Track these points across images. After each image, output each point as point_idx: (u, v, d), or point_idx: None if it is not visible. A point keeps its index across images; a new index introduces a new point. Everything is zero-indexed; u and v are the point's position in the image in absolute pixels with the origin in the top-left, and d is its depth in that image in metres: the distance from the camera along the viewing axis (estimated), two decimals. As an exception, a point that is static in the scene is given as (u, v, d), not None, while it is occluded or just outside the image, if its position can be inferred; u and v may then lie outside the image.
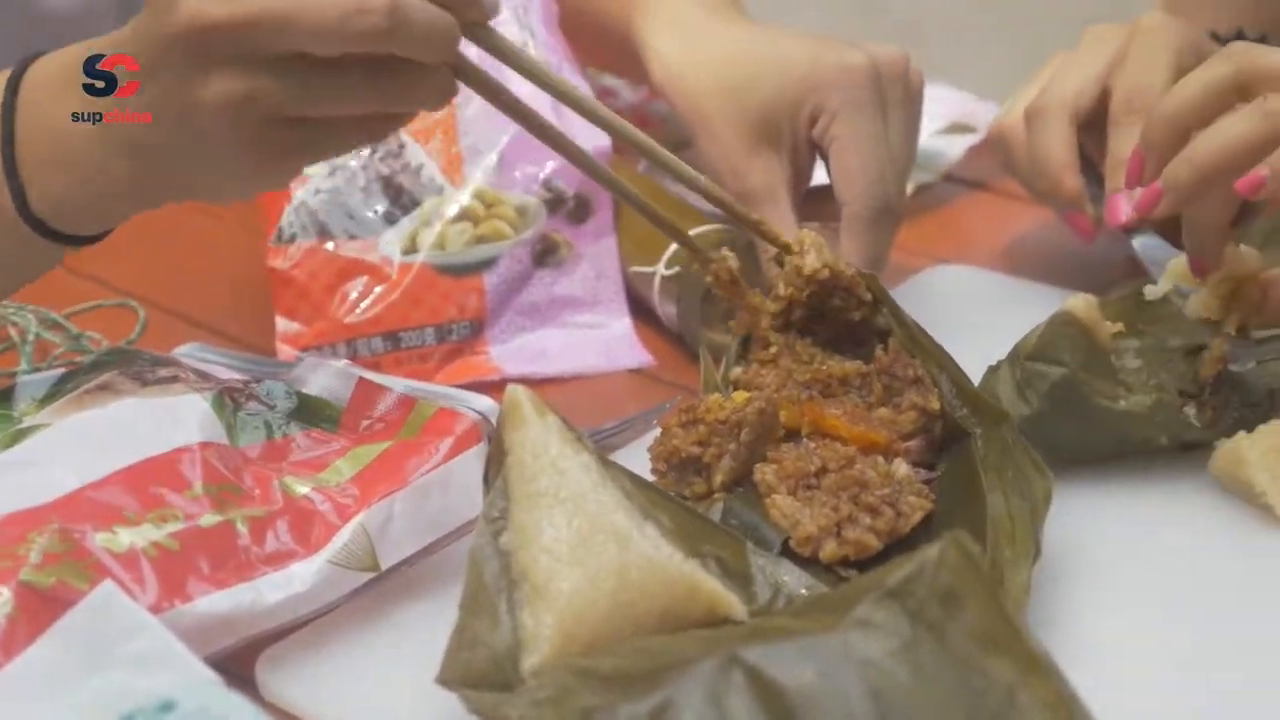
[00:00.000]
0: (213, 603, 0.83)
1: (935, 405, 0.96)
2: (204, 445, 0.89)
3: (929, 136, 1.43)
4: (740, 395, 0.97)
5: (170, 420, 0.90)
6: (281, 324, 1.17)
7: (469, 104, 1.22)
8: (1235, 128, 0.94)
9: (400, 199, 1.20)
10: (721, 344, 1.06)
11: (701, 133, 1.19)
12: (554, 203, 1.21)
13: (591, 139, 1.17)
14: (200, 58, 0.86)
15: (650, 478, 0.95)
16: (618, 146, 1.30)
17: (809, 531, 0.90)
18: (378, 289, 1.17)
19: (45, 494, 0.85)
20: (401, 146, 1.22)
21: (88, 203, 0.95)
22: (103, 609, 0.75)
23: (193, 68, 0.87)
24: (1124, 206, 1.06)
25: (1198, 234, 1.00)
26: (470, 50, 0.92)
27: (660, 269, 1.17)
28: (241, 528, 0.86)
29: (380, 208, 1.20)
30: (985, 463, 0.93)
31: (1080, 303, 1.00)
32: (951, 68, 1.58)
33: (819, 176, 1.20)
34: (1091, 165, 1.16)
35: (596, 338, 1.20)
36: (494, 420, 0.89)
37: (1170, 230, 1.09)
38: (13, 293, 1.04)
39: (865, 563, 0.89)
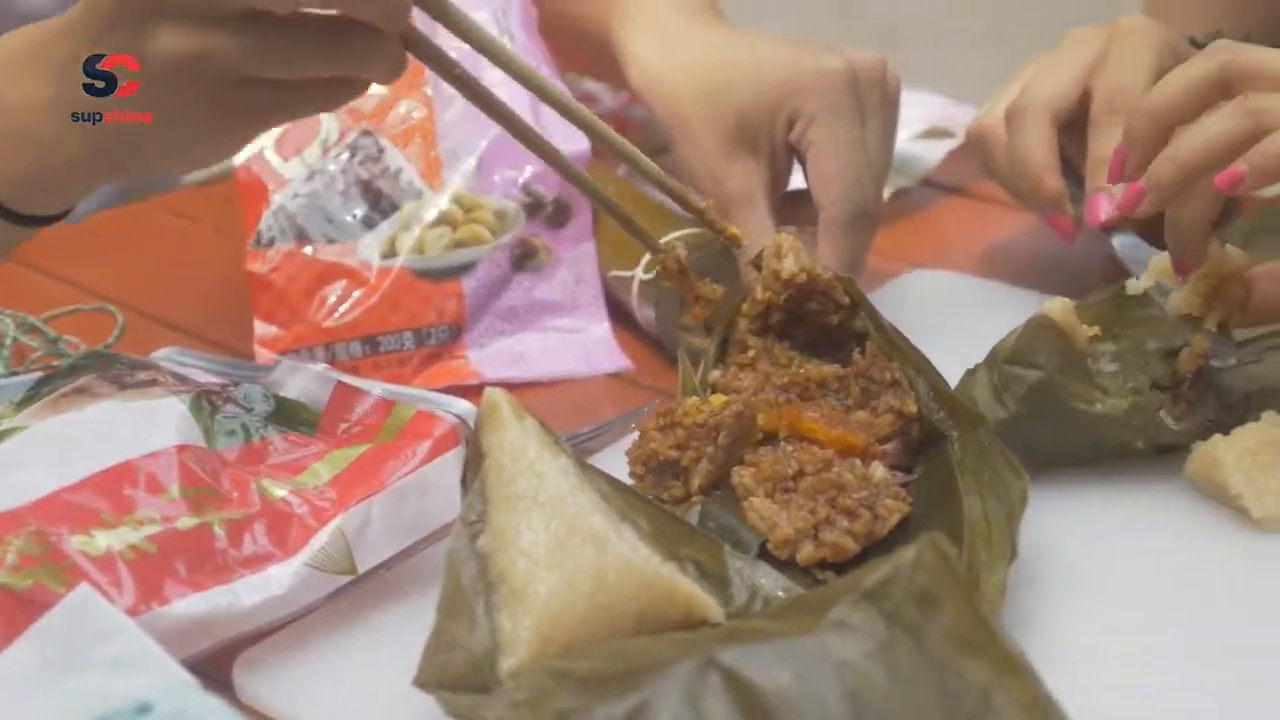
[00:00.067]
0: (190, 605, 0.83)
1: (912, 408, 0.97)
2: (181, 448, 0.89)
3: (907, 141, 1.43)
4: (718, 399, 0.97)
5: (148, 423, 0.90)
6: (260, 328, 1.17)
7: (448, 108, 1.22)
8: (1217, 126, 0.94)
9: (379, 203, 1.20)
10: (700, 348, 1.06)
11: (680, 137, 1.19)
12: (533, 207, 1.21)
13: (570, 142, 1.17)
14: (153, 15, 0.87)
15: (628, 481, 0.95)
16: (597, 149, 1.31)
17: (786, 534, 0.90)
18: (356, 293, 1.17)
19: (22, 496, 0.85)
20: (381, 151, 1.22)
21: (45, 179, 0.95)
22: (79, 612, 0.75)
23: (145, 25, 0.87)
24: (1104, 206, 1.07)
25: (1180, 232, 1.00)
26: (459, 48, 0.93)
27: (639, 273, 1.18)
28: (219, 530, 0.86)
29: (359, 212, 1.20)
30: (962, 465, 0.94)
31: (1057, 306, 1.00)
32: (929, 73, 1.58)
33: (797, 181, 1.20)
34: (1071, 166, 1.16)
35: (575, 342, 1.20)
36: (472, 424, 0.89)
37: (1150, 230, 1.10)
38: None
39: (842, 565, 0.89)
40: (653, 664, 0.74)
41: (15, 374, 1.09)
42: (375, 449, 0.92)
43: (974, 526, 0.90)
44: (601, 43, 1.27)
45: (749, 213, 1.15)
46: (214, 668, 0.85)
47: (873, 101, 1.15)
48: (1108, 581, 0.92)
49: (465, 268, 1.19)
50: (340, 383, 0.97)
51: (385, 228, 1.19)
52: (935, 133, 1.47)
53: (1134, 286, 1.05)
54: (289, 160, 1.21)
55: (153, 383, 0.95)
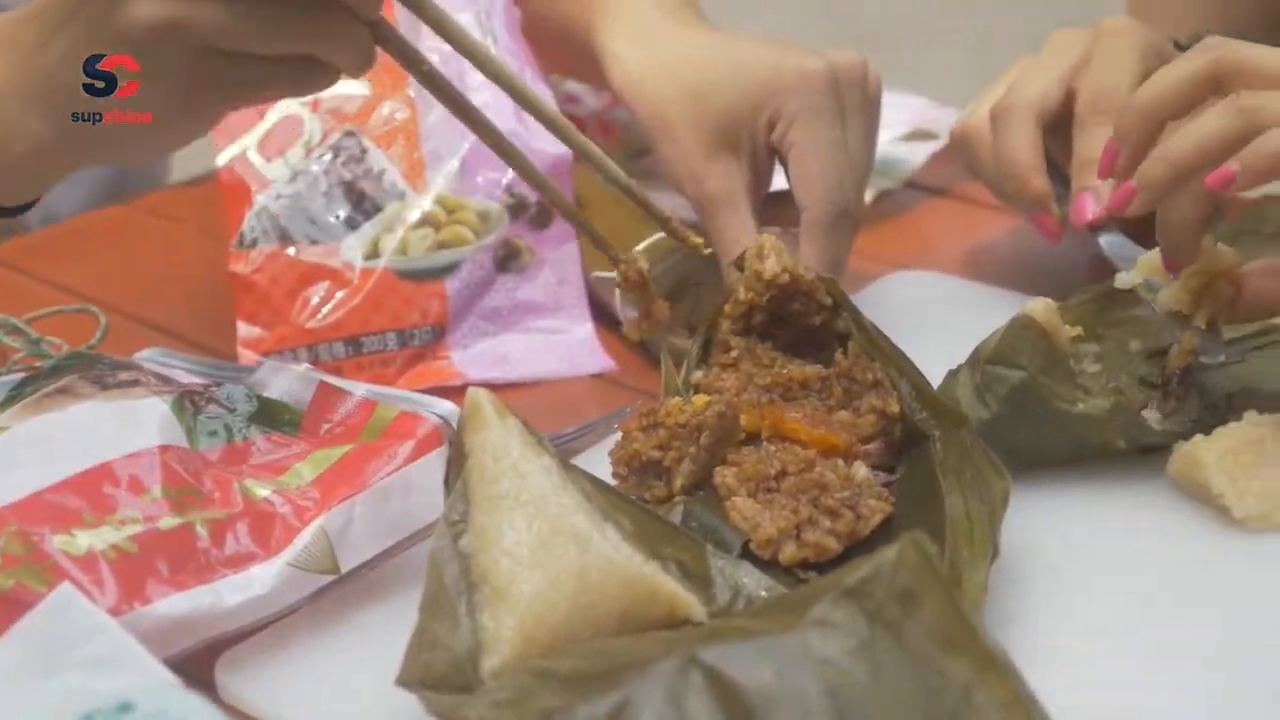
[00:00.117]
0: (172, 605, 0.83)
1: (895, 408, 0.97)
2: (164, 448, 0.89)
3: (890, 143, 1.43)
4: (700, 399, 0.97)
5: (130, 423, 0.90)
6: (243, 329, 1.17)
7: (431, 110, 1.22)
8: (1209, 124, 0.94)
9: (362, 204, 1.20)
10: (682, 349, 1.06)
11: (661, 138, 1.19)
12: (516, 208, 1.21)
13: (556, 143, 1.18)
14: None
15: (611, 481, 0.95)
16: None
17: (769, 534, 0.90)
18: (339, 294, 1.17)
19: (3, 497, 0.85)
20: (364, 152, 1.22)
21: (11, 168, 0.95)
22: (61, 611, 0.75)
23: None
24: (1090, 206, 1.07)
25: (1172, 230, 0.99)
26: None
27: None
28: (201, 530, 0.86)
29: (342, 213, 1.20)
30: (944, 465, 0.94)
31: (1040, 306, 1.00)
32: (912, 76, 1.58)
33: (779, 182, 1.20)
34: (1055, 166, 1.16)
35: (558, 343, 1.20)
36: (455, 424, 0.89)
37: (1137, 229, 1.10)
38: None
39: (825, 565, 0.90)
40: (635, 663, 0.74)
41: (-2, 375, 1.09)
42: (358, 449, 0.92)
43: (956, 526, 0.90)
44: (583, 43, 1.27)
45: (730, 214, 1.15)
46: (196, 667, 0.85)
47: (854, 102, 1.15)
48: (1090, 581, 0.92)
49: (448, 269, 1.19)
50: (323, 383, 0.97)
51: (368, 229, 1.19)
52: (918, 135, 1.47)
53: (1123, 281, 1.05)
54: (272, 161, 1.21)
55: (135, 383, 0.95)
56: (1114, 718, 0.82)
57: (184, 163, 1.56)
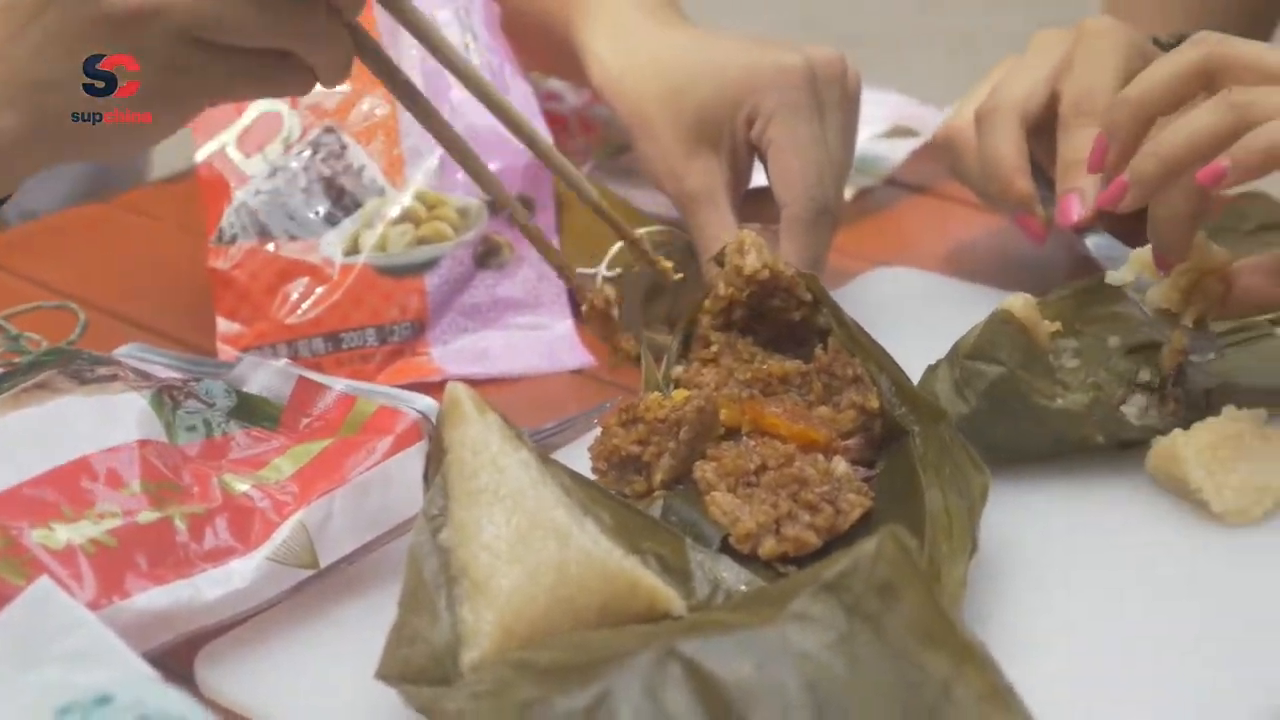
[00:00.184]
0: (151, 599, 0.83)
1: (874, 404, 0.97)
2: (142, 443, 0.89)
3: (870, 140, 1.43)
4: (680, 394, 0.98)
5: (108, 418, 0.90)
6: (222, 325, 1.17)
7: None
8: (1200, 120, 0.94)
9: (341, 200, 1.20)
10: (662, 344, 1.06)
11: (640, 135, 1.19)
12: (496, 204, 1.21)
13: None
14: None
15: (591, 477, 0.95)
16: (559, 148, 1.30)
17: (748, 528, 0.90)
18: (319, 290, 1.17)
19: (-18, 491, 0.85)
20: (343, 148, 1.22)
21: None
22: (40, 605, 0.75)
23: None
24: (1076, 207, 1.07)
25: (1163, 227, 0.99)
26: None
27: (602, 270, 1.18)
28: (180, 525, 0.86)
29: (321, 209, 1.20)
30: (924, 460, 0.94)
31: (1019, 302, 1.00)
32: (893, 79, 1.58)
33: (759, 179, 1.20)
34: (1039, 168, 1.16)
35: (538, 339, 1.20)
36: (434, 419, 0.89)
37: (1123, 228, 1.10)
38: None
39: (804, 559, 0.90)
40: (614, 655, 0.74)
41: (-24, 371, 1.09)
42: (337, 444, 0.92)
43: (935, 521, 0.90)
44: (563, 40, 1.27)
45: (710, 210, 1.15)
46: (176, 662, 0.85)
47: (832, 98, 1.15)
48: (1068, 575, 0.92)
49: (428, 265, 1.19)
50: (302, 378, 0.97)
51: (348, 225, 1.19)
52: (898, 132, 1.47)
53: (1114, 278, 1.05)
54: (251, 157, 1.21)
55: (113, 378, 0.95)
56: (1093, 712, 0.82)
57: (164, 159, 1.56)
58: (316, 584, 0.90)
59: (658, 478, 0.94)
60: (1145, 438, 0.99)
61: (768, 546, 0.90)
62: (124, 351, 1.06)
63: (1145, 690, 0.84)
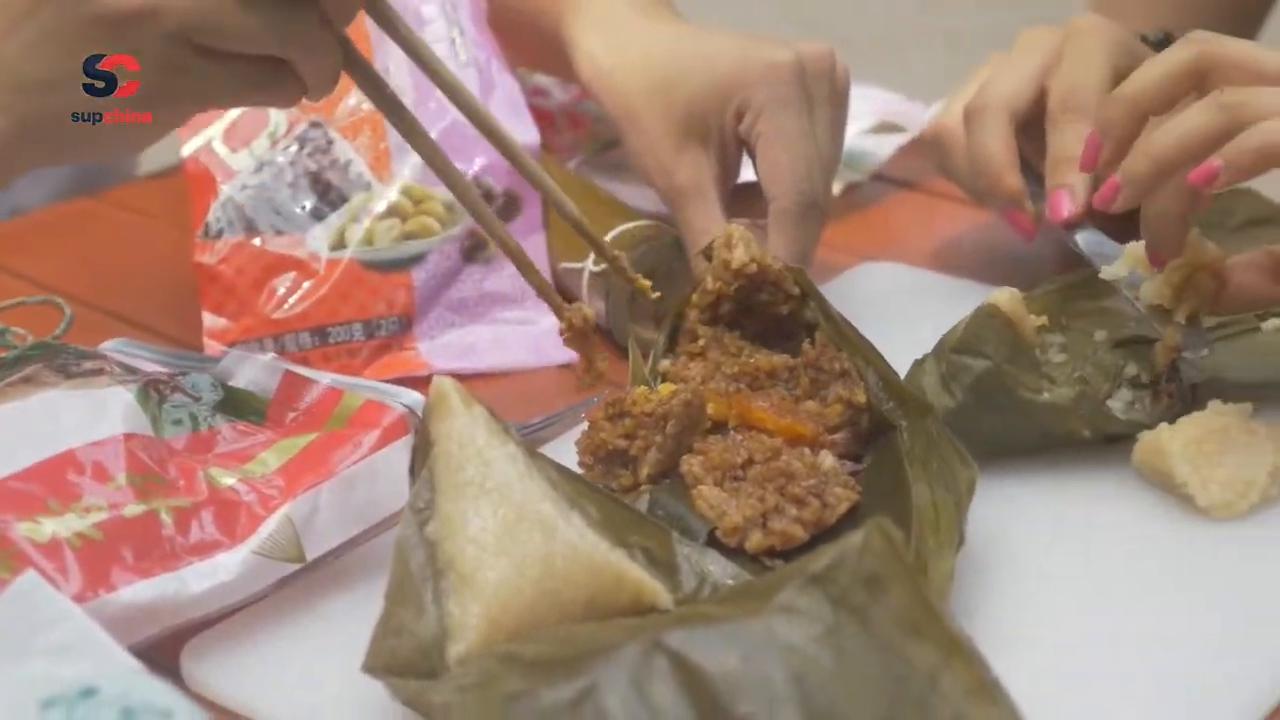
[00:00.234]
0: (136, 592, 0.83)
1: (861, 398, 0.97)
2: (128, 436, 0.89)
3: (857, 136, 1.43)
4: (666, 388, 0.98)
5: (94, 412, 0.90)
6: (208, 319, 1.17)
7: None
8: (1191, 120, 0.94)
9: (328, 195, 1.20)
10: (650, 339, 1.06)
11: (629, 130, 1.19)
12: (483, 199, 1.21)
13: (518, 136, 1.18)
14: None
15: (578, 471, 0.95)
16: (547, 143, 1.31)
17: (735, 522, 0.90)
18: (305, 284, 1.17)
19: (-32, 484, 0.85)
20: (330, 143, 1.22)
21: None
22: (25, 598, 0.74)
23: None
24: (1065, 204, 1.07)
25: (1154, 225, 0.99)
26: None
27: (589, 265, 1.17)
28: (166, 518, 0.86)
29: (308, 203, 1.20)
30: (910, 455, 0.94)
31: (1005, 296, 1.00)
32: (881, 78, 1.58)
33: (747, 174, 1.20)
34: (1028, 164, 1.16)
35: (525, 334, 1.20)
36: (421, 413, 0.89)
37: (1112, 225, 1.10)
38: None
39: (791, 553, 0.90)
40: (600, 648, 0.74)
41: (-39, 365, 1.09)
42: (324, 437, 0.92)
43: (922, 515, 0.90)
44: (551, 35, 1.27)
45: (699, 204, 1.15)
46: (162, 655, 0.85)
47: (821, 93, 1.15)
48: (1055, 569, 0.92)
49: (415, 259, 1.19)
50: (288, 372, 0.97)
51: (334, 219, 1.19)
52: (886, 127, 1.48)
53: (1108, 273, 1.05)
54: (237, 152, 1.21)
55: (99, 372, 0.95)
56: (1079, 705, 0.82)
57: (151, 155, 1.55)
58: (303, 578, 0.90)
59: (644, 472, 0.94)
60: (1131, 432, 0.99)
61: (754, 540, 0.90)
62: (110, 346, 1.06)
63: (1131, 684, 0.84)
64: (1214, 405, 0.98)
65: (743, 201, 1.21)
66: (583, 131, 1.46)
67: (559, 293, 1.21)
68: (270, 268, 1.17)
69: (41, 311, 1.24)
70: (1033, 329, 1.01)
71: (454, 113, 1.13)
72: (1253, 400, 0.99)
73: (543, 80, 1.47)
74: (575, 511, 0.84)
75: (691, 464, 0.94)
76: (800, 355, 1.00)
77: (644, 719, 0.70)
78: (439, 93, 1.17)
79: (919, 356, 1.02)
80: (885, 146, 1.46)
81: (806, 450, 0.95)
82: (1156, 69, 0.98)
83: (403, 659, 0.79)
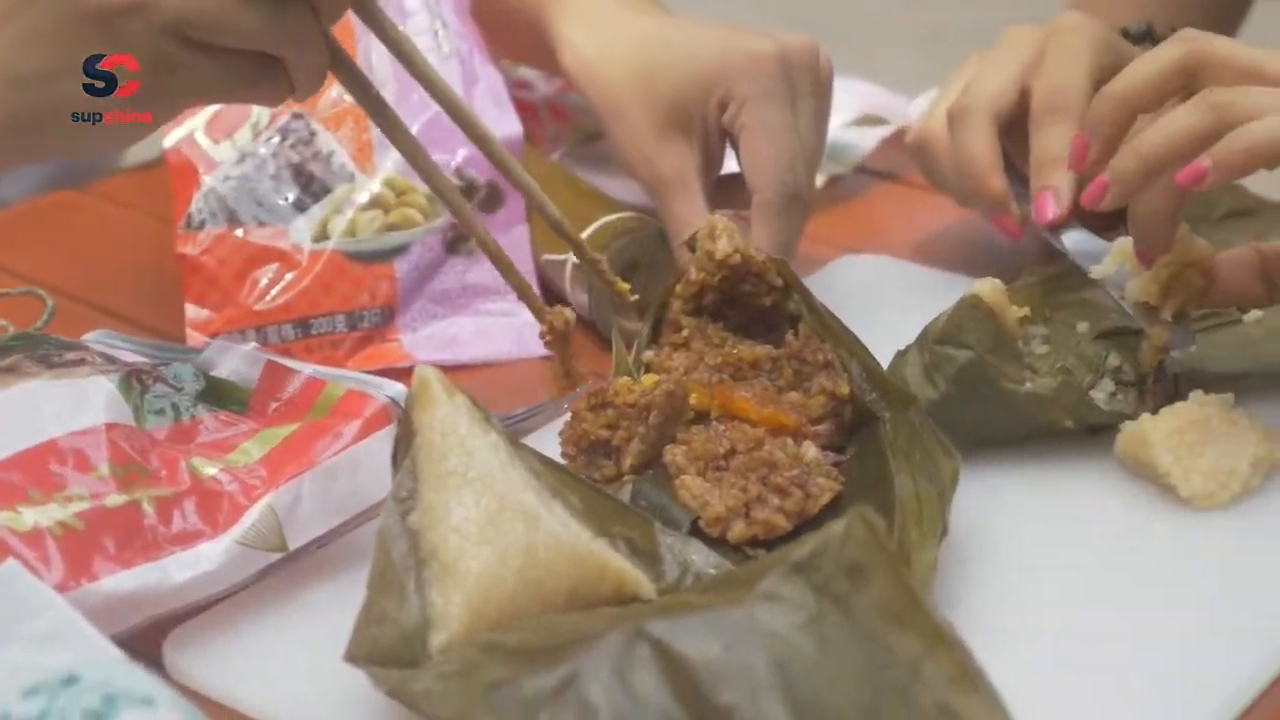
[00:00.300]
0: (119, 582, 0.83)
1: (845, 390, 0.97)
2: (110, 426, 0.89)
3: (840, 128, 1.43)
4: (649, 378, 0.98)
5: (76, 402, 0.90)
6: (191, 311, 1.17)
7: (380, 92, 1.21)
8: (1180, 120, 0.94)
9: (311, 186, 1.20)
10: (632, 331, 1.06)
11: (613, 121, 1.19)
12: (465, 191, 1.21)
13: (501, 128, 1.18)
14: None
15: (561, 462, 0.95)
16: (530, 135, 1.31)
17: (718, 512, 0.90)
18: (288, 276, 1.17)
19: (-51, 474, 0.85)
20: (312, 134, 1.21)
21: None
22: (7, 587, 0.74)
23: None
24: (1051, 205, 1.07)
25: (1142, 223, 1.00)
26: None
27: (571, 258, 1.17)
28: (148, 508, 0.86)
29: (291, 195, 1.19)
30: (894, 446, 0.94)
31: (987, 286, 1.00)
32: (863, 72, 1.58)
33: (730, 166, 1.20)
34: (1013, 165, 1.16)
35: (508, 325, 1.20)
36: (403, 404, 0.89)
37: (1097, 222, 1.10)
38: None
39: (774, 543, 0.90)
40: (582, 637, 0.74)
41: (-57, 356, 1.09)
42: (306, 427, 0.92)
43: (905, 506, 0.90)
44: (535, 28, 1.27)
45: (682, 195, 1.15)
46: (145, 645, 0.85)
47: (804, 85, 1.15)
48: (1038, 559, 0.92)
49: (397, 251, 1.19)
50: (270, 362, 0.97)
51: (317, 211, 1.19)
52: (868, 120, 1.48)
53: (1098, 272, 1.05)
54: (220, 143, 1.21)
55: (81, 362, 0.95)
56: (1061, 694, 0.82)
57: (135, 147, 1.55)
58: (285, 567, 0.90)
59: (627, 462, 0.94)
60: (1114, 422, 0.99)
61: (737, 530, 0.90)
62: (92, 338, 1.05)
63: (1114, 673, 0.84)
64: (1196, 396, 0.98)
65: (726, 193, 1.21)
66: (566, 124, 1.46)
67: (542, 285, 1.22)
68: (253, 259, 1.17)
69: (24, 303, 1.23)
70: (1015, 320, 1.01)
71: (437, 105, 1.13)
72: (1234, 391, 0.99)
73: (526, 73, 1.47)
74: (558, 501, 0.84)
75: (675, 454, 0.94)
76: (783, 346, 1.00)
77: (626, 707, 0.71)
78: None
79: (902, 348, 1.02)
80: (868, 139, 1.46)
81: (789, 441, 0.95)
82: (1145, 67, 0.98)
83: (385, 648, 0.79)
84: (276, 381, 0.96)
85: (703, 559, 0.89)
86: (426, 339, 1.18)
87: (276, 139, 1.21)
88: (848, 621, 0.72)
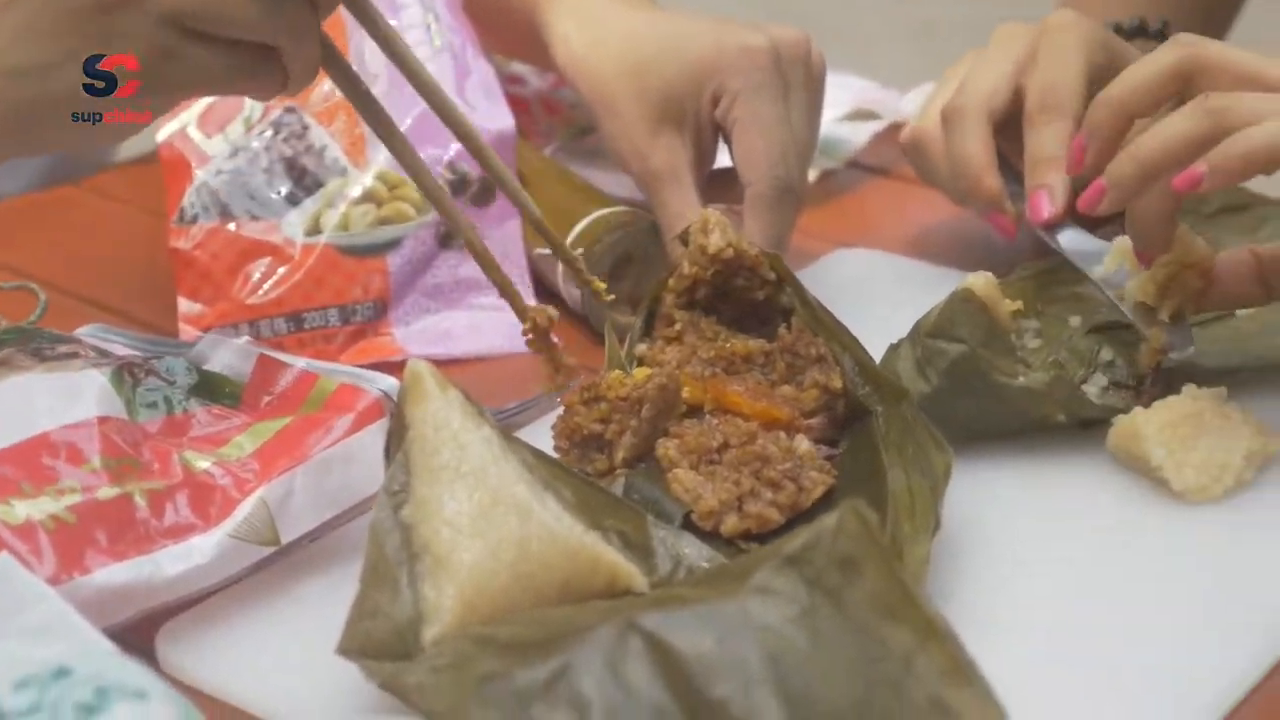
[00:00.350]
0: (111, 575, 0.83)
1: (837, 383, 0.97)
2: (102, 420, 0.89)
3: (832, 123, 1.43)
4: (641, 372, 0.98)
5: (68, 395, 0.90)
6: (184, 305, 1.16)
7: (372, 86, 1.21)
8: (1176, 125, 0.94)
9: (303, 180, 1.20)
10: (625, 325, 1.06)
11: (605, 115, 1.19)
12: (458, 185, 1.21)
13: (493, 122, 1.18)
14: None
15: (553, 455, 0.95)
16: (523, 129, 1.30)
17: (710, 505, 0.90)
18: (281, 270, 1.17)
19: (-59, 467, 0.85)
20: (305, 128, 1.21)
21: None
22: (-1, 580, 0.74)
23: None
24: (1046, 204, 1.06)
25: (1140, 224, 1.00)
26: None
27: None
28: (140, 501, 0.86)
29: (283, 189, 1.19)
30: (886, 440, 0.94)
31: (980, 280, 1.00)
32: (855, 67, 1.58)
33: (723, 160, 1.20)
34: (1008, 164, 1.16)
35: (501, 320, 1.19)
36: (396, 398, 0.89)
37: (1093, 220, 1.10)
38: None
39: (766, 537, 0.90)
40: (575, 630, 0.74)
41: (-65, 350, 1.08)
42: (298, 421, 0.92)
43: (898, 500, 0.90)
44: (527, 23, 1.27)
45: (675, 189, 1.15)
46: (137, 639, 0.85)
47: (797, 78, 1.15)
48: (1030, 553, 0.92)
49: (390, 245, 1.18)
50: (263, 355, 0.97)
51: (309, 205, 1.19)
52: (861, 114, 1.48)
53: (1097, 273, 1.05)
54: (212, 137, 1.21)
55: (74, 355, 0.94)
56: (1054, 688, 0.82)
57: (128, 141, 1.55)
58: (278, 561, 0.90)
59: (620, 456, 0.94)
60: (1106, 416, 0.99)
61: (730, 523, 0.90)
62: (85, 332, 1.06)
63: (1107, 667, 0.84)
64: (1188, 390, 0.98)
65: (719, 187, 1.21)
66: (558, 118, 1.46)
67: (535, 279, 1.22)
68: (245, 253, 1.17)
69: (16, 297, 1.23)
70: (1008, 314, 1.01)
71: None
72: (1227, 385, 0.99)
73: (519, 68, 1.47)
74: (550, 495, 0.84)
75: (667, 448, 0.94)
76: (776, 340, 1.00)
77: (619, 700, 0.71)
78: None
79: (894, 341, 1.02)
80: (860, 134, 1.46)
81: (782, 434, 0.95)
82: (1142, 71, 0.98)
83: (378, 641, 0.79)
84: (269, 375, 0.96)
85: (695, 552, 0.88)
86: (419, 333, 1.18)
87: (269, 133, 1.21)
88: (840, 615, 0.72)
